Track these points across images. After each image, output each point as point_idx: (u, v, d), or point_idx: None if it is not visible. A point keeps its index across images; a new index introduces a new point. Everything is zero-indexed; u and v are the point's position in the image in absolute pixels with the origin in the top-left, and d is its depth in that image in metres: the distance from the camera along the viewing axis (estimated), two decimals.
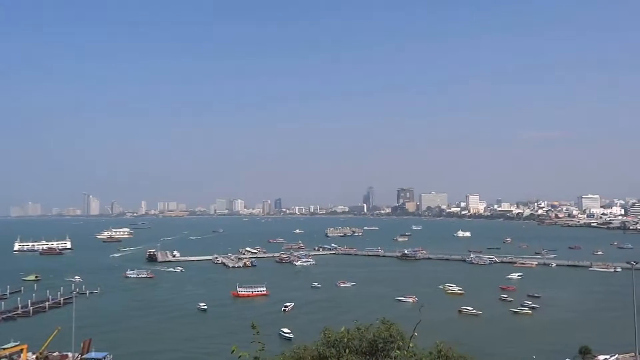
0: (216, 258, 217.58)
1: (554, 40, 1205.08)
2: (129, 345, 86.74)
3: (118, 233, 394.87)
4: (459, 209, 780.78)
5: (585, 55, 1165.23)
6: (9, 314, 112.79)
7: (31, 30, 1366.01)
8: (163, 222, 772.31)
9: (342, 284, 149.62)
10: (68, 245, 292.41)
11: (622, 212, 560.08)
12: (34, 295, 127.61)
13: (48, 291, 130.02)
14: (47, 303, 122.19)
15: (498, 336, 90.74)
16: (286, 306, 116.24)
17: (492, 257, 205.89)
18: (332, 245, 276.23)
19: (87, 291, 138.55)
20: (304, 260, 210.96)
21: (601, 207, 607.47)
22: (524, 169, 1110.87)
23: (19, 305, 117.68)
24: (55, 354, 78.94)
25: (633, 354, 71.26)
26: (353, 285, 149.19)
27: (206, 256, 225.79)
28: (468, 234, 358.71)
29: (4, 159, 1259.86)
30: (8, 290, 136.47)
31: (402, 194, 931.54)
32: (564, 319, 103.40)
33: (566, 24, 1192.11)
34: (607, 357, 74.30)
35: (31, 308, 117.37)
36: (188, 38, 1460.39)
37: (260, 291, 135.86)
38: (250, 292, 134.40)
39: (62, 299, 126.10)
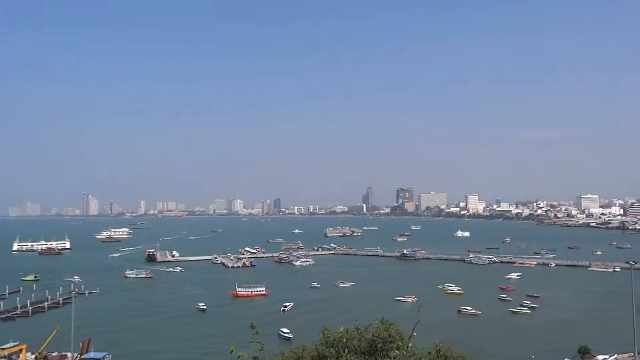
0: (215, 258, 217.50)
1: (554, 40, 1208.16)
2: (128, 345, 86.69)
3: (117, 233, 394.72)
4: (458, 209, 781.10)
5: (585, 55, 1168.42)
6: (8, 314, 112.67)
7: (31, 30, 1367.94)
8: (162, 222, 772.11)
9: (342, 284, 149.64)
10: (67, 245, 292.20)
11: (621, 212, 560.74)
12: (33, 295, 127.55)
13: (47, 291, 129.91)
14: (46, 303, 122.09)
15: (497, 336, 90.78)
16: (285, 306, 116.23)
17: (491, 257, 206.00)
18: (332, 245, 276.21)
19: (86, 291, 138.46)
20: (303, 260, 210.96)
21: (600, 207, 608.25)
22: (523, 169, 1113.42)
23: (18, 305, 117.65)
24: (54, 354, 78.90)
25: (632, 353, 71.32)
26: (352, 285, 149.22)
27: (205, 256, 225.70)
28: (467, 234, 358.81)
29: (3, 158, 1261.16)
30: (7, 290, 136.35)
31: (401, 194, 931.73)
32: (563, 318, 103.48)
33: (566, 24, 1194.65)
34: (606, 357, 74.37)
35: (30, 308, 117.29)
36: (188, 38, 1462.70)
37: (260, 291, 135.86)
38: (250, 292, 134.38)
39: (61, 299, 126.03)
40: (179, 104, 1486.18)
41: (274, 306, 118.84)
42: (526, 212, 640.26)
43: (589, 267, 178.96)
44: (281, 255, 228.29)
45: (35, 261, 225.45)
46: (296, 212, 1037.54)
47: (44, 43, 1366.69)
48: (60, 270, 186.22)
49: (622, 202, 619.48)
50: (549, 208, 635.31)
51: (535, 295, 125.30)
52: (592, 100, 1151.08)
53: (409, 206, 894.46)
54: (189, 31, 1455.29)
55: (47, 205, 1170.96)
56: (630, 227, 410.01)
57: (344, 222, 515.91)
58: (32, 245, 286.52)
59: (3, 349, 76.57)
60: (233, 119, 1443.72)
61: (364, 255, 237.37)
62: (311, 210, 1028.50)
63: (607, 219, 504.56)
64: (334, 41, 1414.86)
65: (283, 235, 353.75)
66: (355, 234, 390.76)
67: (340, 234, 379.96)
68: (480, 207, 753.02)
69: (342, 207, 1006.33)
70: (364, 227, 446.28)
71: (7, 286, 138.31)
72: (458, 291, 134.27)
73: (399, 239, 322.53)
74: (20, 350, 75.56)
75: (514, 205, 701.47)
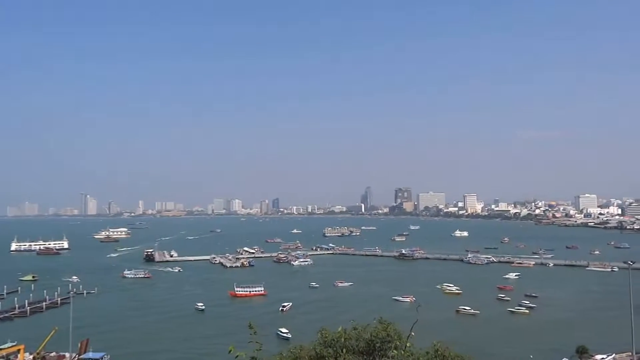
0: (214, 258, 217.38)
1: (554, 40, 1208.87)
2: (126, 345, 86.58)
3: (115, 233, 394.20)
4: (456, 208, 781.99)
5: (585, 55, 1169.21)
6: (6, 314, 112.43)
7: (31, 30, 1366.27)
8: (160, 222, 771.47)
9: (340, 284, 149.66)
10: (65, 245, 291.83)
11: (619, 211, 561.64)
12: (31, 295, 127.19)
13: (45, 291, 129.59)
14: (44, 303, 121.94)
15: (495, 336, 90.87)
16: (284, 306, 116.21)
17: (489, 256, 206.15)
18: (330, 245, 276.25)
19: (85, 291, 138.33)
20: (301, 260, 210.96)
21: (598, 207, 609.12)
22: (522, 168, 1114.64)
23: (16, 306, 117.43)
24: (52, 354, 78.76)
25: (630, 353, 71.44)
26: (351, 285, 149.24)
27: (204, 256, 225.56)
28: (465, 233, 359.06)
29: (1, 158, 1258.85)
30: (5, 291, 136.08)
31: (400, 194, 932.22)
32: (562, 318, 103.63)
33: (566, 24, 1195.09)
34: (604, 356, 74.48)
35: (28, 308, 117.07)
36: (188, 38, 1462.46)
37: (258, 291, 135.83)
38: (248, 292, 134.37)
39: (59, 299, 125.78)
40: (179, 104, 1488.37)
41: (273, 306, 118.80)
42: (524, 212, 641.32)
43: (587, 267, 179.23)
44: (280, 255, 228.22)
45: (33, 261, 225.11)
46: (295, 212, 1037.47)
47: (44, 43, 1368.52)
48: (59, 270, 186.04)
49: (620, 202, 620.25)
50: (547, 208, 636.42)
51: (534, 295, 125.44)
52: (591, 101, 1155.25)
53: (408, 206, 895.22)
54: (189, 31, 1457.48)
55: (45, 205, 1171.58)
56: (628, 227, 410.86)
57: (343, 222, 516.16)
58: (30, 245, 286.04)
59: (1, 349, 76.42)
60: (233, 119, 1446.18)
61: (362, 255, 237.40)
62: (310, 210, 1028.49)
63: (605, 218, 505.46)
64: (334, 41, 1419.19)
65: (281, 235, 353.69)
66: (354, 234, 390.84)
67: (339, 234, 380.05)
68: (478, 207, 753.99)
69: (340, 207, 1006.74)
70: (363, 227, 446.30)
71: (5, 286, 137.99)
72: (456, 291, 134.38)
73: (398, 238, 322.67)
74: (18, 350, 75.40)
75: (512, 205, 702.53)
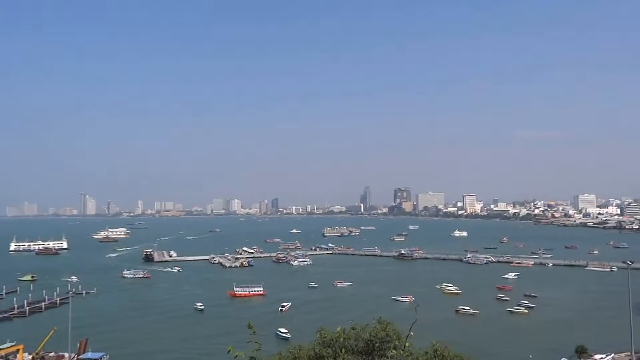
0: (213, 258, 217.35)
1: (554, 40, 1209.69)
2: (125, 345, 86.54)
3: (114, 233, 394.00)
4: (455, 208, 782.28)
5: (585, 55, 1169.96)
6: (5, 314, 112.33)
7: (31, 30, 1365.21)
8: (160, 222, 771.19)
9: (339, 284, 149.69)
10: (64, 245, 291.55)
11: (618, 211, 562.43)
12: (30, 295, 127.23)
13: (44, 291, 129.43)
14: (43, 303, 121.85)
15: (495, 336, 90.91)
16: (283, 306, 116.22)
17: (488, 256, 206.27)
18: (329, 245, 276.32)
19: (84, 291, 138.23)
20: (300, 260, 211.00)
21: (597, 206, 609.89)
22: (521, 168, 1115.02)
23: (15, 306, 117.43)
24: (51, 354, 78.72)
25: (629, 353, 71.52)
26: (350, 285, 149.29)
27: (203, 256, 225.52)
28: (465, 233, 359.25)
29: (0, 158, 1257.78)
30: (4, 291, 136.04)
31: (399, 194, 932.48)
32: (561, 318, 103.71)
33: (566, 24, 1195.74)
34: (603, 356, 74.55)
35: (27, 308, 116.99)
36: (188, 38, 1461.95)
37: (257, 291, 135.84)
38: (247, 292, 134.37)
39: (58, 299, 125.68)
40: (178, 104, 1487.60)
41: (272, 306, 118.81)
42: (523, 211, 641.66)
43: (586, 266, 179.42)
44: (279, 255, 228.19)
45: (32, 261, 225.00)
46: (294, 212, 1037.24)
47: (44, 43, 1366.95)
48: (58, 270, 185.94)
49: (619, 201, 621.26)
50: (546, 208, 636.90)
51: (533, 294, 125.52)
52: (591, 101, 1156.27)
53: (407, 206, 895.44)
54: (189, 31, 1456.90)
55: (45, 205, 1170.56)
56: (627, 227, 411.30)
57: (342, 222, 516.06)
58: (29, 245, 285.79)
59: (0, 349, 76.39)
60: (232, 119, 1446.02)
61: (361, 255, 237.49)
62: (309, 210, 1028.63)
63: (604, 218, 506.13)
64: (334, 41, 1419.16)
65: (281, 235, 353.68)
66: (353, 233, 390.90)
67: (338, 234, 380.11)
68: (477, 207, 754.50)
69: (339, 207, 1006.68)
70: (362, 227, 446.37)
71: (4, 286, 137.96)
72: (455, 291, 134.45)
73: (397, 238, 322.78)
74: (17, 350, 75.35)
75: (512, 205, 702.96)
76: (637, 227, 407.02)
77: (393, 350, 12.71)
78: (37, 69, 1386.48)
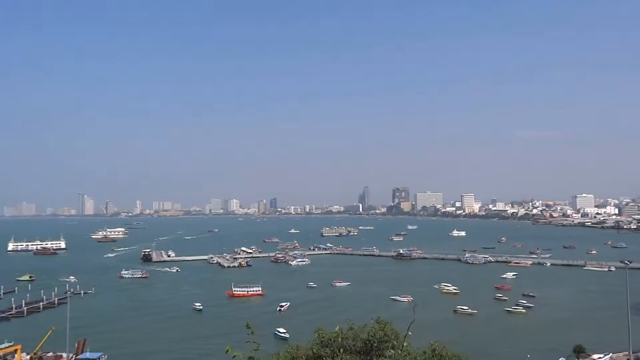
0: (211, 258, 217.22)
1: (554, 40, 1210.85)
2: (123, 345, 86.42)
3: (113, 233, 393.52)
4: (454, 208, 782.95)
5: (585, 55, 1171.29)
6: (3, 314, 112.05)
7: (31, 30, 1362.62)
8: (158, 222, 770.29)
9: (338, 284, 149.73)
10: (62, 245, 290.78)
11: (616, 211, 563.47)
12: (28, 295, 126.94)
13: (42, 291, 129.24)
14: (41, 303, 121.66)
15: (493, 335, 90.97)
16: (282, 306, 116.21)
17: (487, 256, 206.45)
18: (328, 244, 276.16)
19: (82, 291, 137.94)
20: (299, 260, 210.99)
21: (595, 206, 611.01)
22: (519, 168, 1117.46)
23: (13, 306, 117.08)
24: (49, 354, 78.57)
25: (627, 352, 71.66)
26: (348, 285, 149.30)
27: (201, 256, 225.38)
28: (463, 233, 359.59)
29: None
30: (2, 291, 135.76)
31: (398, 194, 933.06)
32: (559, 318, 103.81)
33: (566, 24, 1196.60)
34: (601, 356, 74.67)
35: (25, 308, 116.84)
36: (188, 38, 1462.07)
37: (256, 291, 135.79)
38: (246, 292, 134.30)
39: (56, 299, 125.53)
40: (178, 104, 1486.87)
41: (270, 306, 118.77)
42: (522, 211, 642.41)
43: (584, 266, 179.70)
44: (277, 255, 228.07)
45: (30, 261, 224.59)
46: (292, 211, 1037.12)
47: (44, 43, 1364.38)
48: (56, 270, 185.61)
49: (617, 201, 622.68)
50: (544, 208, 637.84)
51: (531, 294, 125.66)
52: (590, 101, 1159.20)
53: (405, 206, 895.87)
54: (189, 31, 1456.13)
55: (43, 205, 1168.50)
56: (625, 227, 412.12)
57: (340, 222, 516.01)
58: (27, 245, 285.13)
59: None
60: (232, 119, 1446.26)
61: (360, 255, 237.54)
62: (307, 210, 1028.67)
63: (602, 218, 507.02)
64: (334, 41, 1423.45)
65: (279, 235, 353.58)
66: (352, 233, 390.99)
67: (337, 234, 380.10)
68: (476, 207, 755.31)
69: (338, 206, 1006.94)
70: (360, 227, 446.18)
71: (1, 286, 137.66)
72: (454, 291, 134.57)
73: (395, 238, 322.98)
74: (15, 350, 75.26)
75: (510, 205, 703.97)
76: (635, 227, 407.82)
77: (391, 350, 12.71)
78: (36, 69, 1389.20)
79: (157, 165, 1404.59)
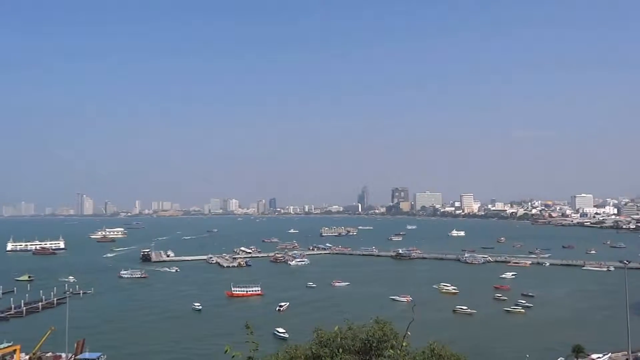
0: (210, 258, 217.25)
1: (554, 40, 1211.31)
2: (123, 345, 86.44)
3: (112, 233, 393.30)
4: (453, 208, 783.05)
5: (585, 54, 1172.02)
6: (2, 315, 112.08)
7: (31, 30, 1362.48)
8: (157, 222, 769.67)
9: (337, 284, 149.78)
10: (61, 245, 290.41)
11: (615, 211, 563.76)
12: (27, 295, 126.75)
13: (41, 291, 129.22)
14: (40, 303, 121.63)
15: (492, 335, 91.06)
16: (281, 306, 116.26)
17: (486, 256, 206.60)
18: (327, 244, 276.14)
19: (81, 291, 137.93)
20: (298, 259, 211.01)
21: (594, 206, 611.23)
22: (518, 168, 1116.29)
23: (12, 306, 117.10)
24: (48, 354, 78.53)
25: (626, 352, 71.74)
26: (348, 284, 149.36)
27: (201, 256, 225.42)
28: (462, 233, 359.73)
29: None
30: (1, 291, 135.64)
31: (397, 194, 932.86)
32: (558, 317, 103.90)
33: (566, 24, 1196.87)
34: (600, 355, 74.75)
35: (24, 308, 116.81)
36: (188, 38, 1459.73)
37: (255, 291, 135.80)
38: (245, 292, 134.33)
39: (55, 299, 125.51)
40: (178, 103, 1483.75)
41: (270, 306, 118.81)
42: (521, 211, 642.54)
43: (583, 266, 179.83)
44: (276, 255, 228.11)
45: (29, 261, 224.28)
46: (291, 211, 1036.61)
47: (44, 42, 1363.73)
48: (55, 270, 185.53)
49: (616, 201, 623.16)
50: (543, 208, 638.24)
51: (530, 294, 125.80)
52: (589, 101, 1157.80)
53: (404, 206, 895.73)
54: (188, 31, 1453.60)
55: (42, 205, 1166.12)
56: (624, 227, 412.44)
57: (340, 222, 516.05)
58: (26, 245, 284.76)
59: None
60: (231, 119, 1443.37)
61: (359, 254, 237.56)
62: (306, 210, 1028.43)
63: (601, 218, 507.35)
64: (333, 40, 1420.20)
65: (278, 234, 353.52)
66: (351, 233, 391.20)
67: (336, 234, 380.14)
68: (475, 207, 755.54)
69: (337, 206, 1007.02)
70: (359, 227, 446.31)
71: (0, 286, 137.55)
72: (453, 290, 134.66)
73: (394, 238, 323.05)
74: (14, 350, 75.15)
75: (509, 205, 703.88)
76: (634, 226, 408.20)
77: (390, 350, 12.72)
78: (36, 68, 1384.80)
79: (156, 165, 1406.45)
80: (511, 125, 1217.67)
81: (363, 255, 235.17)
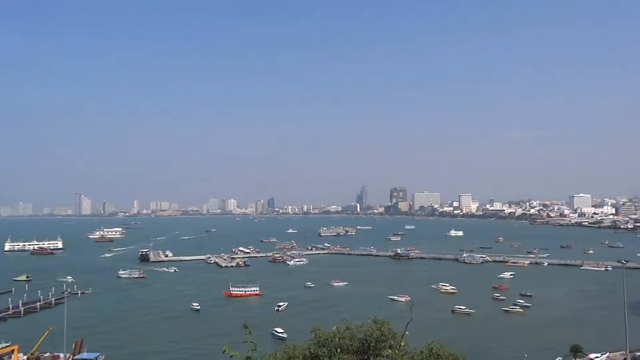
0: (209, 258, 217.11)
1: (554, 40, 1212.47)
2: (121, 345, 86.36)
3: (110, 233, 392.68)
4: (451, 208, 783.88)
5: (584, 54, 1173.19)
6: (0, 315, 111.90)
7: (31, 29, 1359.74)
8: (155, 221, 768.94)
9: (336, 284, 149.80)
10: (59, 245, 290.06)
11: (613, 211, 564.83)
12: (25, 295, 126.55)
13: (39, 291, 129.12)
14: (38, 303, 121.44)
15: (490, 335, 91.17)
16: (279, 306, 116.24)
17: (484, 256, 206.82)
18: (325, 244, 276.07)
19: (79, 291, 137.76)
20: (297, 259, 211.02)
21: (592, 206, 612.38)
22: (517, 168, 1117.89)
23: (10, 306, 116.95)
24: (46, 354, 78.44)
25: (624, 352, 71.88)
26: (346, 284, 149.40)
27: (199, 256, 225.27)
28: (461, 233, 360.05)
29: None
30: None
31: (395, 194, 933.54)
32: (556, 317, 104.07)
33: (566, 24, 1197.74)
34: (598, 355, 74.88)
35: (22, 308, 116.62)
36: (188, 38, 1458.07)
37: (254, 291, 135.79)
38: (243, 292, 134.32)
39: (53, 299, 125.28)
40: (177, 103, 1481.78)
41: (268, 306, 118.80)
42: (519, 211, 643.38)
43: (582, 266, 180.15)
44: (275, 255, 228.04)
45: (27, 261, 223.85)
46: (290, 211, 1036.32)
47: (44, 42, 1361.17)
48: (53, 270, 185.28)
49: (614, 201, 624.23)
50: (541, 207, 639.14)
51: (528, 294, 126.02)
52: (587, 100, 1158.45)
53: (403, 206, 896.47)
54: (188, 31, 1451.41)
55: (40, 205, 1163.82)
56: (622, 227, 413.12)
57: (338, 222, 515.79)
58: (24, 245, 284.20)
59: None
60: (231, 119, 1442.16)
61: (358, 254, 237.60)
62: (305, 210, 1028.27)
63: (599, 218, 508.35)
64: (332, 40, 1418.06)
65: (277, 234, 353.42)
66: (349, 233, 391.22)
67: (334, 234, 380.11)
68: (473, 207, 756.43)
69: (335, 206, 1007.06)
70: (358, 227, 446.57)
71: None
72: (452, 290, 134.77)
73: (393, 238, 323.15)
74: (12, 351, 74.94)
75: (507, 205, 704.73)
76: (632, 226, 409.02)
77: (388, 350, 12.72)
78: (36, 68, 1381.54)
79: (156, 165, 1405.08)
80: (511, 125, 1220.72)
81: (361, 255, 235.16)
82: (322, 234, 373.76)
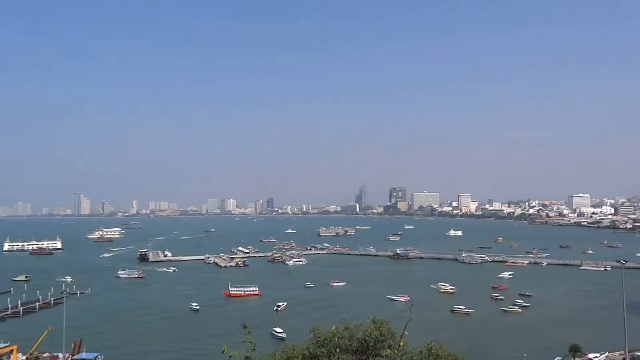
0: (208, 258, 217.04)
1: (553, 40, 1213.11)
2: (120, 345, 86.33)
3: (109, 233, 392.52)
4: (450, 208, 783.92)
5: (583, 54, 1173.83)
6: None
7: (31, 29, 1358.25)
8: (154, 221, 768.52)
9: (335, 284, 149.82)
10: (58, 245, 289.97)
11: (612, 211, 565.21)
12: (24, 295, 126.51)
13: (38, 291, 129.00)
14: (37, 303, 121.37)
15: (489, 335, 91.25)
16: (279, 306, 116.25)
17: (483, 256, 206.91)
18: (325, 244, 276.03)
19: (78, 291, 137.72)
20: (296, 259, 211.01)
21: (591, 206, 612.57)
22: (516, 168, 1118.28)
23: (9, 306, 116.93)
24: (45, 354, 78.42)
25: (622, 351, 71.95)
26: (345, 284, 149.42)
27: (198, 256, 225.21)
28: (460, 233, 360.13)
29: None
30: None
31: (395, 194, 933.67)
32: (555, 317, 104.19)
33: (565, 24, 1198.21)
34: (597, 355, 74.99)
35: (21, 308, 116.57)
36: (188, 38, 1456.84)
37: (253, 291, 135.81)
38: (243, 292, 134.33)
39: (52, 299, 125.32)
40: (177, 103, 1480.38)
41: (267, 306, 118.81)
42: (518, 211, 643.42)
43: (581, 266, 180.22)
44: (274, 254, 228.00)
45: (26, 261, 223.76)
46: (289, 211, 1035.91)
47: (44, 42, 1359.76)
48: (52, 270, 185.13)
49: (613, 201, 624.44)
50: (540, 207, 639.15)
51: (528, 294, 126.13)
52: (586, 100, 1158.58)
53: (402, 206, 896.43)
54: (188, 31, 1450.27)
55: (39, 204, 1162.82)
56: (621, 226, 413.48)
57: (337, 222, 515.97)
58: (23, 245, 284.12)
59: None
60: (231, 119, 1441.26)
61: (357, 254, 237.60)
62: (304, 209, 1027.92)
63: (598, 218, 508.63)
64: (331, 40, 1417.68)
65: (276, 234, 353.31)
66: (349, 233, 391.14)
67: (333, 234, 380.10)
68: (472, 207, 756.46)
69: (335, 206, 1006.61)
70: (357, 227, 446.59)
71: None
72: (451, 290, 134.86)
73: (392, 238, 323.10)
74: (11, 351, 74.90)
75: (506, 205, 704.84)
76: (631, 226, 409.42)
77: (387, 350, 12.73)
78: (35, 68, 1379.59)
79: (156, 165, 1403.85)
80: (511, 125, 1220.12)
81: (361, 255, 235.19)
82: (321, 234, 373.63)
